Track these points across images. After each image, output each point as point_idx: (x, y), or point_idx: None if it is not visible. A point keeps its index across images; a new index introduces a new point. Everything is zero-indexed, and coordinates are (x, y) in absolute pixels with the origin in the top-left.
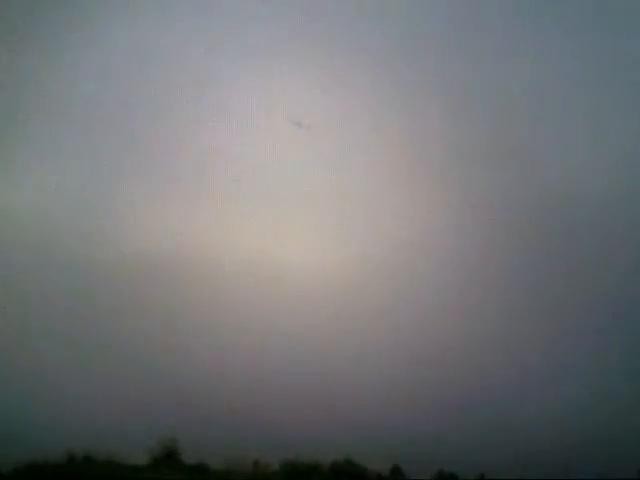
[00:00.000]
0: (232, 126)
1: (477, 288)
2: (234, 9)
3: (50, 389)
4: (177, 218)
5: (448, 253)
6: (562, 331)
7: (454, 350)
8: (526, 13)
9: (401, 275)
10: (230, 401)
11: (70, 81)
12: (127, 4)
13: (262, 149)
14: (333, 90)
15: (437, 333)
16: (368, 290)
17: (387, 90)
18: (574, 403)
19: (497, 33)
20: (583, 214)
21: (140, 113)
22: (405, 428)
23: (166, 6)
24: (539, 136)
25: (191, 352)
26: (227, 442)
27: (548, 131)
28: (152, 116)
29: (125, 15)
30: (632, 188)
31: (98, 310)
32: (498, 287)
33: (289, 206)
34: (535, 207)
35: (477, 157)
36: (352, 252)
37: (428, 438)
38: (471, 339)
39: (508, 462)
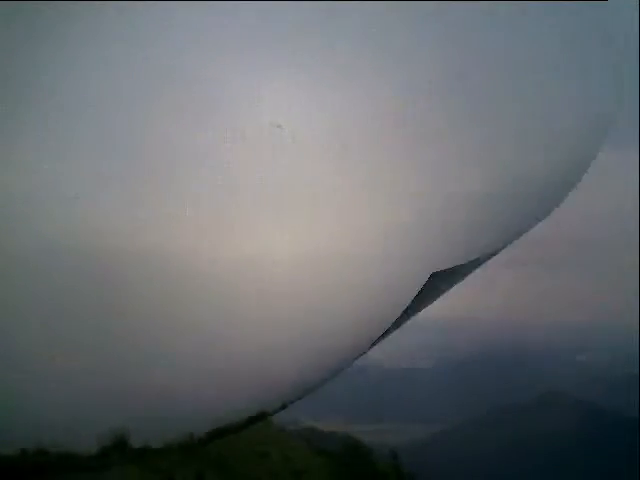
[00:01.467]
0: (219, 124)
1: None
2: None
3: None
4: (164, 217)
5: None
6: None
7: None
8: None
9: (396, 268)
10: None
11: (58, 76)
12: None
13: (249, 149)
14: (320, 91)
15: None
16: (363, 284)
17: (383, 91)
18: None
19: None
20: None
21: (126, 112)
22: None
23: (153, 5)
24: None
25: (141, 343)
26: (170, 425)
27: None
28: (137, 115)
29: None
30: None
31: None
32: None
33: (278, 204)
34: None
35: (476, 156)
36: (345, 250)
37: None
38: None
39: None
